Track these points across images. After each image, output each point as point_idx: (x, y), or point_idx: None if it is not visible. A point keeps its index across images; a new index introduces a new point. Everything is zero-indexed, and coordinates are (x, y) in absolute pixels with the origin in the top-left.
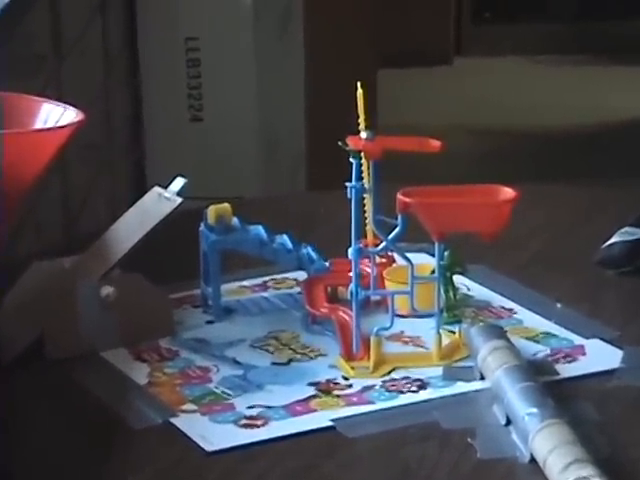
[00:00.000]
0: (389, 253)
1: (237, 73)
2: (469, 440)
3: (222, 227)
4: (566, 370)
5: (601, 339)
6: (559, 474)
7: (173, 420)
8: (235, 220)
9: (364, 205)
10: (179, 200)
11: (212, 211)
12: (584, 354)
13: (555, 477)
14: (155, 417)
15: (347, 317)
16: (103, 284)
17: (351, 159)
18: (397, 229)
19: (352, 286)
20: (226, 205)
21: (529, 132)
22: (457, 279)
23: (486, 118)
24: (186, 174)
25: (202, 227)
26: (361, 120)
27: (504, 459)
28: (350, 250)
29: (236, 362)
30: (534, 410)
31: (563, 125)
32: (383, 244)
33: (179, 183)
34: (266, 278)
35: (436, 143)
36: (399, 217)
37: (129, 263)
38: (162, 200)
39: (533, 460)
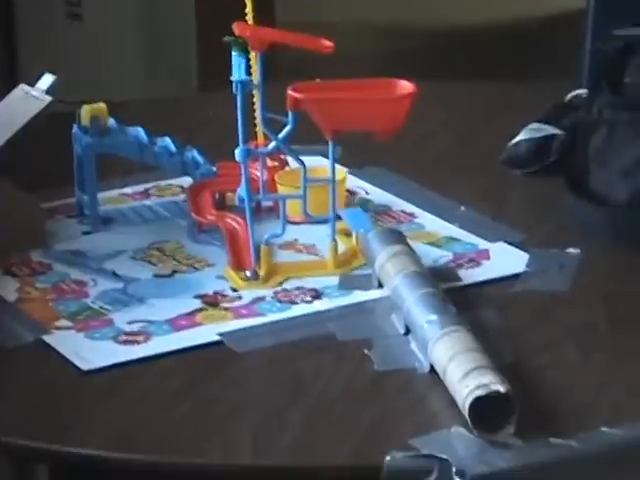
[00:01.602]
0: (281, 156)
1: None
2: (366, 351)
3: (97, 129)
4: (469, 276)
5: (506, 242)
6: (459, 382)
7: (46, 338)
8: (112, 121)
9: (254, 104)
10: (49, 99)
11: (86, 111)
12: (488, 258)
13: (455, 385)
14: (26, 335)
15: (236, 225)
16: None
17: (234, 51)
18: (287, 127)
19: (240, 191)
20: (101, 105)
21: (436, 28)
22: (355, 182)
23: (389, 13)
24: (64, 77)
25: (75, 129)
26: (248, 10)
27: (402, 370)
28: (237, 151)
29: (115, 275)
30: (434, 317)
31: (472, 19)
32: (273, 144)
33: (48, 80)
34: (148, 185)
35: (328, 43)
36: (289, 114)
37: None
38: (29, 99)
39: (433, 370)
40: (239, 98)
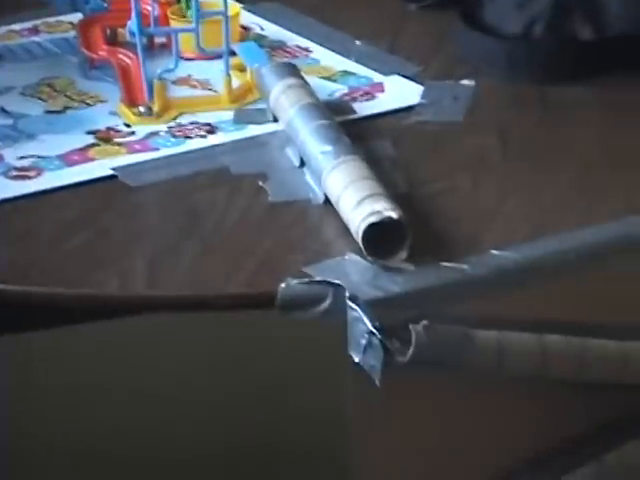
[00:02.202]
0: None
1: None
2: (260, 184)
3: None
4: (364, 108)
5: (401, 75)
6: (353, 210)
7: None
8: None
9: None
10: None
11: None
12: (383, 91)
13: (349, 214)
14: None
15: (128, 60)
16: None
17: None
18: None
19: (131, 25)
20: None
21: None
22: (249, 18)
23: None
24: None
25: None
26: None
27: (297, 201)
28: None
29: (4, 111)
30: (328, 148)
31: None
32: None
33: None
34: (37, 22)
35: None
36: None
37: None
38: None
39: (328, 201)
40: None
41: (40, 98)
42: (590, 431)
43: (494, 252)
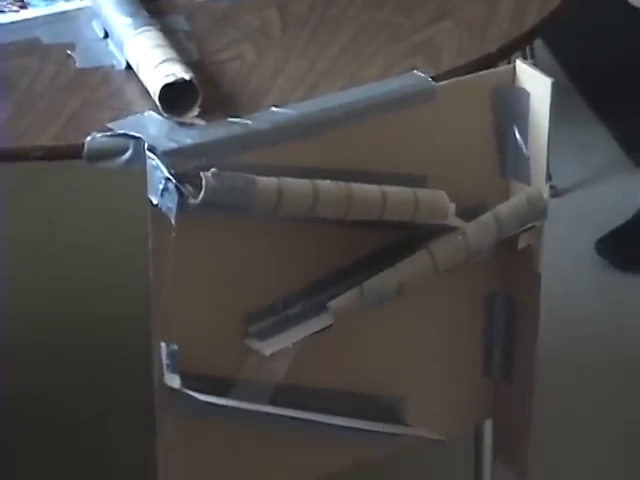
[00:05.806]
0: None
1: None
2: (69, 52)
3: None
4: None
5: None
6: (150, 73)
7: None
8: None
9: None
10: None
11: None
12: None
13: (147, 76)
14: None
15: None
16: None
17: None
18: None
19: None
20: None
21: None
22: None
23: None
24: None
25: None
26: None
27: (102, 67)
28: None
29: None
30: (129, 20)
31: None
32: None
33: None
34: None
35: None
36: None
37: None
38: None
39: (129, 67)
40: None
41: None
42: (353, 263)
43: (274, 109)
